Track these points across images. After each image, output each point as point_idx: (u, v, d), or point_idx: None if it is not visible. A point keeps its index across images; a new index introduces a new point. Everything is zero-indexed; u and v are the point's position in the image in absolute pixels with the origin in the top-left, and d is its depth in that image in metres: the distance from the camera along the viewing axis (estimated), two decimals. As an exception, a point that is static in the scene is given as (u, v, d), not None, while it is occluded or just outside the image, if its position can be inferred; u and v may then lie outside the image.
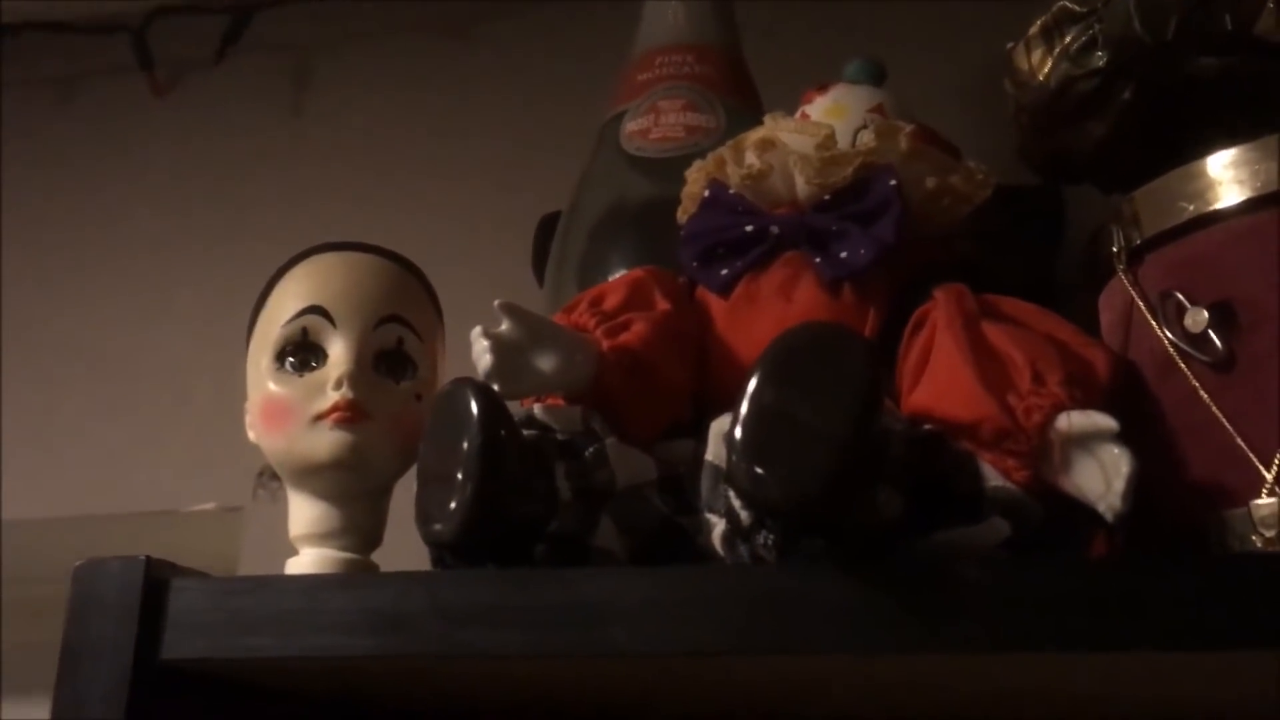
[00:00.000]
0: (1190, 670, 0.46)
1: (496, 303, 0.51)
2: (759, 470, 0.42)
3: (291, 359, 0.57)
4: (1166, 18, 0.49)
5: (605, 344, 0.53)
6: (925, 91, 0.70)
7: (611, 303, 0.55)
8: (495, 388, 0.49)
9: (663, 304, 0.56)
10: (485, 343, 0.50)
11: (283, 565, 0.58)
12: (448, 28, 1.11)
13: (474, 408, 0.47)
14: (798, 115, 0.61)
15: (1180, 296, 0.49)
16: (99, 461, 1.06)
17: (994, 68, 0.85)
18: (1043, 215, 0.76)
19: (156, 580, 0.49)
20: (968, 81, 0.88)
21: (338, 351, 0.56)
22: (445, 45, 1.11)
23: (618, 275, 0.65)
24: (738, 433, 0.43)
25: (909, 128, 0.57)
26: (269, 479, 0.99)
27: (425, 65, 1.11)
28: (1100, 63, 0.51)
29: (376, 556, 0.59)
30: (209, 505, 1.02)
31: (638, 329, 0.54)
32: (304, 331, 0.57)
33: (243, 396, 0.60)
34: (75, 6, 1.20)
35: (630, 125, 0.73)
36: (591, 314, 0.54)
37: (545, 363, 0.51)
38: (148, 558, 0.49)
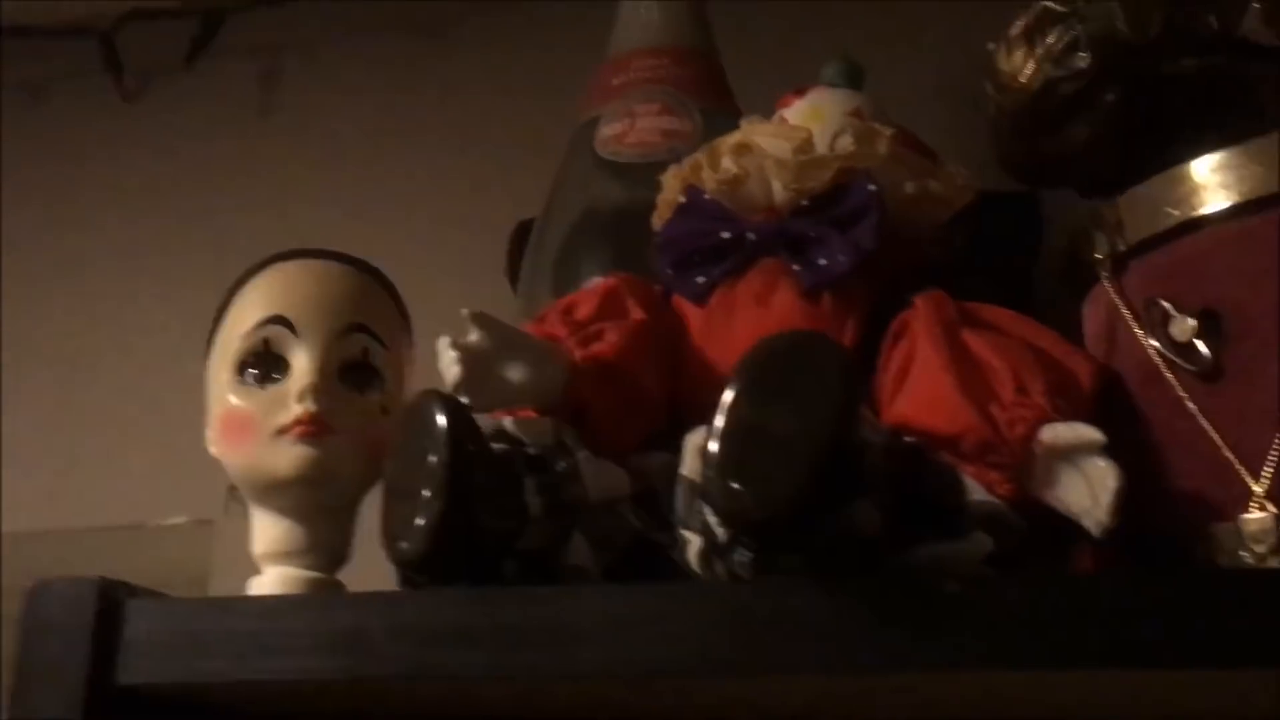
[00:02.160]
0: (1177, 688, 0.44)
1: (465, 311, 0.49)
2: (735, 486, 0.41)
3: (253, 370, 0.56)
4: (1151, 16, 0.48)
5: (578, 354, 0.51)
6: (899, 95, 0.69)
7: (584, 312, 0.54)
8: (464, 400, 0.48)
9: (637, 313, 0.55)
10: (453, 353, 0.48)
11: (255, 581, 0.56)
12: (421, 28, 1.10)
13: (441, 421, 0.46)
14: (775, 119, 0.60)
15: (1166, 304, 0.48)
16: (63, 474, 1.04)
17: (969, 70, 0.84)
18: (1020, 221, 0.75)
19: (110, 601, 0.48)
20: (943, 84, 0.87)
21: (301, 363, 0.55)
22: (418, 46, 1.09)
23: (592, 282, 0.64)
24: (713, 447, 0.42)
25: (889, 131, 0.56)
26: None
27: (397, 67, 1.09)
28: (1083, 64, 0.50)
29: (344, 575, 0.57)
30: (179, 519, 1.00)
31: (611, 338, 0.52)
32: (265, 342, 0.55)
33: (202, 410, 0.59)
34: (42, 10, 1.18)
35: (605, 130, 0.71)
36: (563, 323, 0.53)
37: (515, 373, 0.50)
38: (101, 578, 0.48)
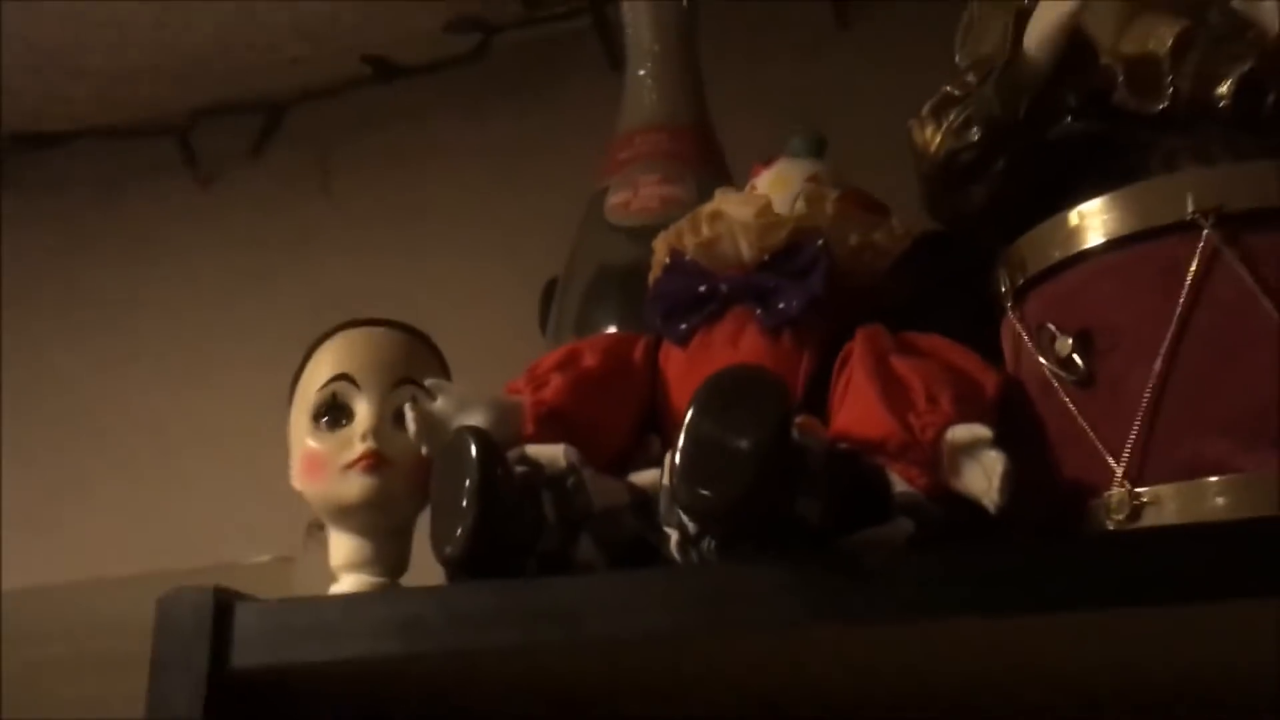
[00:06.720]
0: (1057, 632, 0.54)
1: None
2: (698, 489, 0.52)
3: (325, 418, 0.68)
4: (1018, 99, 0.58)
5: (528, 400, 0.63)
6: (869, 156, 0.78)
7: (543, 368, 0.66)
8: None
9: (587, 361, 0.66)
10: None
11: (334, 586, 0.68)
12: (459, 108, 1.20)
13: (473, 451, 0.58)
14: (748, 187, 0.71)
15: (1051, 327, 0.57)
16: (164, 521, 1.17)
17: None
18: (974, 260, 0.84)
19: (224, 603, 0.61)
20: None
21: (362, 411, 0.67)
22: (457, 124, 1.20)
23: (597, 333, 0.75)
24: (678, 459, 0.53)
25: (835, 194, 0.66)
26: (316, 529, 1.09)
27: (438, 144, 1.20)
28: (975, 137, 0.59)
29: (406, 579, 0.69)
30: (264, 557, 1.11)
31: (555, 383, 0.64)
32: (334, 395, 0.68)
33: (280, 458, 0.71)
34: (120, 111, 1.31)
35: (613, 199, 0.80)
36: (526, 379, 0.65)
37: (474, 424, 0.62)
38: (216, 586, 0.61)
